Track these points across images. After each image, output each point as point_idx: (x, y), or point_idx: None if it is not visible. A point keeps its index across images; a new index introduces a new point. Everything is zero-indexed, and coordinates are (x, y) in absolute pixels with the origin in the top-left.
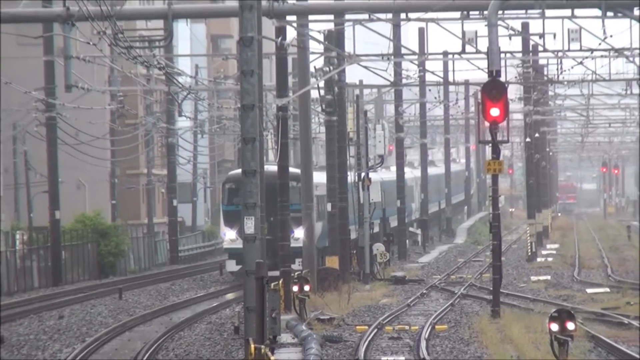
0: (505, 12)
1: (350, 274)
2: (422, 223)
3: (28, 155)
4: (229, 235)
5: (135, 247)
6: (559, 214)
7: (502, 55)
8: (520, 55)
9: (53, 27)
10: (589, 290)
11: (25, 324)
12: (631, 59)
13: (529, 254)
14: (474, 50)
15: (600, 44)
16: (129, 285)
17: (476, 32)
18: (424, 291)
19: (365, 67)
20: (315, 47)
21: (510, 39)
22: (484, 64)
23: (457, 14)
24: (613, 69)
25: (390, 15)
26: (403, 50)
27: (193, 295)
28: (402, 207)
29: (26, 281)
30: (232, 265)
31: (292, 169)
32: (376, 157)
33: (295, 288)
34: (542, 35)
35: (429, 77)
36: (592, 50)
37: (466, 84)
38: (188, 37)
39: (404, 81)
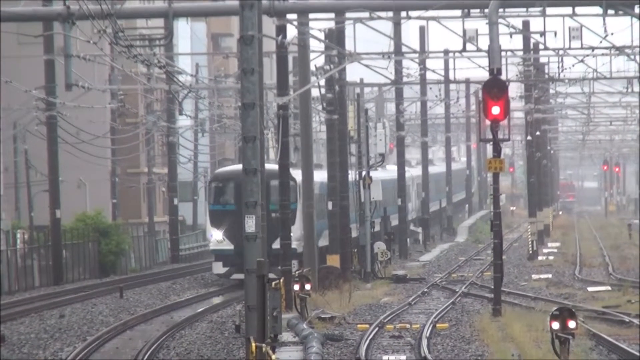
0: (506, 10)
1: (351, 273)
2: (423, 221)
3: (29, 154)
4: (215, 236)
5: (136, 246)
6: (560, 212)
7: (503, 53)
8: (521, 53)
9: (53, 25)
10: (590, 289)
11: (26, 323)
12: (632, 57)
13: (530, 252)
14: (475, 48)
15: (601, 42)
16: (130, 284)
17: (477, 31)
18: (425, 290)
19: (366, 66)
20: (315, 45)
21: (511, 37)
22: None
23: (458, 12)
24: (614, 67)
25: (390, 14)
26: (404, 49)
27: (194, 294)
28: (402, 205)
29: (27, 280)
30: (218, 268)
31: (277, 167)
32: (377, 155)
33: (296, 287)
34: (543, 34)
35: (429, 76)
36: (593, 48)
37: (467, 82)
38: (188, 35)
39: (405, 79)
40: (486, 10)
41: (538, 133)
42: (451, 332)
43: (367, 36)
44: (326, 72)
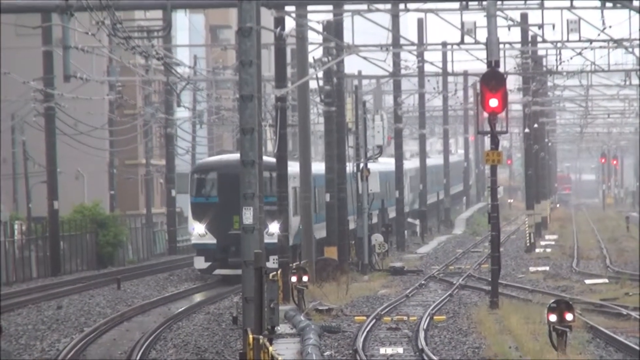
0: (504, 2)
1: (348, 265)
2: (420, 214)
3: (27, 145)
4: (197, 230)
5: (134, 238)
6: (558, 205)
7: (501, 45)
8: (519, 45)
9: (51, 17)
10: (588, 281)
11: (23, 314)
12: (630, 49)
13: (528, 244)
14: (473, 40)
15: (599, 34)
16: (128, 275)
17: (475, 23)
18: (423, 282)
19: (364, 58)
20: (314, 37)
21: (509, 29)
22: (482, 54)
23: (456, 5)
24: (612, 60)
25: (389, 6)
26: (402, 41)
27: (191, 285)
28: (400, 197)
29: (24, 271)
30: (200, 262)
31: (265, 158)
32: (375, 147)
33: (293, 278)
34: (541, 26)
35: (427, 68)
36: (591, 41)
37: (465, 74)
38: (187, 27)
39: (403, 72)
40: (484, 3)
41: (536, 125)
42: (448, 325)
43: (365, 28)
44: (324, 64)
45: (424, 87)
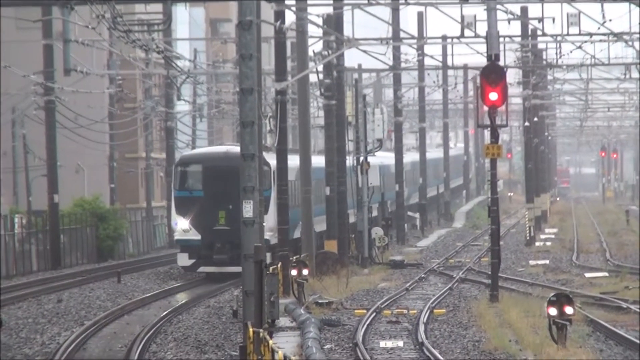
0: None
1: (348, 258)
2: (420, 207)
3: (27, 138)
4: (180, 225)
5: (134, 231)
6: (558, 198)
7: (501, 39)
8: (519, 39)
9: (52, 10)
10: (588, 275)
11: (24, 308)
12: (630, 43)
13: (528, 238)
14: (473, 34)
15: (599, 28)
16: (128, 268)
17: (475, 16)
18: (423, 275)
19: (364, 51)
20: (314, 31)
21: (509, 23)
22: (483, 48)
23: None
24: (612, 53)
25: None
26: (402, 34)
27: (191, 279)
28: (400, 191)
29: (25, 264)
30: (184, 259)
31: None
32: (375, 141)
33: (294, 272)
34: (541, 20)
35: (427, 61)
36: (591, 35)
37: (465, 68)
38: (187, 21)
39: (403, 65)
40: None
41: (536, 119)
42: (448, 318)
43: (365, 22)
44: (324, 57)
45: (424, 80)
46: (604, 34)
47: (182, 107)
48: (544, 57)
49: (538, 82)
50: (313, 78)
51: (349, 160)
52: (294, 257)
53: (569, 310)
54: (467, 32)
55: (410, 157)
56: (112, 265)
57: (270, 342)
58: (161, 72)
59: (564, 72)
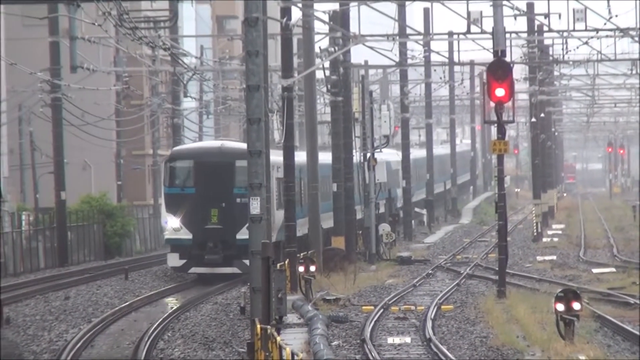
0: None
1: (356, 255)
2: (427, 203)
3: (34, 136)
4: (171, 224)
5: (141, 228)
6: (565, 194)
7: (507, 35)
8: (525, 35)
9: (58, 8)
10: (595, 270)
11: (31, 305)
12: (636, 38)
13: (535, 234)
14: (479, 30)
15: (605, 23)
16: (135, 265)
17: (481, 12)
18: (430, 271)
19: (371, 48)
20: (320, 27)
21: (515, 19)
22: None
23: None
24: (618, 49)
25: None
26: (408, 31)
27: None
28: (408, 187)
29: (32, 262)
30: (174, 260)
31: (245, 145)
32: (381, 137)
33: (301, 268)
34: (547, 15)
35: (434, 58)
36: (597, 30)
37: (471, 64)
38: (193, 17)
39: (409, 61)
40: None
41: (542, 115)
42: (456, 314)
43: (371, 18)
44: (331, 54)
45: (431, 76)
46: (610, 30)
47: (188, 104)
48: (551, 53)
49: (544, 78)
50: (319, 74)
51: (356, 157)
52: (302, 254)
53: (576, 306)
54: (473, 28)
55: (415, 153)
56: (119, 263)
57: (278, 338)
58: (168, 69)
59: (570, 68)
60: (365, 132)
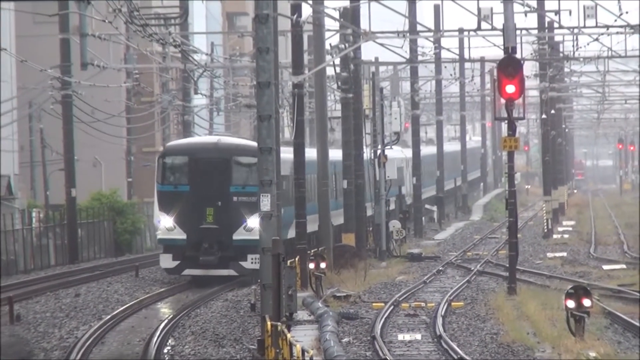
0: None
1: (366, 251)
2: (438, 200)
3: (44, 133)
4: (164, 223)
5: (152, 225)
6: (575, 191)
7: (518, 32)
8: (535, 32)
9: (68, 5)
10: (605, 267)
11: (41, 302)
12: None
13: (545, 230)
14: (490, 27)
15: (616, 20)
16: (145, 262)
17: (492, 9)
18: (440, 268)
19: (381, 44)
20: (330, 24)
21: (525, 15)
22: (499, 40)
23: None
24: (629, 46)
25: None
26: (418, 27)
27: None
28: (418, 184)
29: (42, 259)
30: (167, 261)
31: (243, 141)
32: (392, 134)
33: (311, 265)
34: (557, 12)
35: (444, 54)
36: (607, 27)
37: (482, 60)
38: (203, 14)
39: (420, 58)
40: None
41: (553, 111)
42: (466, 311)
43: (381, 15)
44: (341, 50)
45: (441, 73)
46: (620, 27)
47: (199, 100)
48: (561, 49)
49: (555, 75)
50: (330, 71)
51: (367, 154)
52: (312, 251)
53: (586, 302)
54: (483, 25)
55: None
56: (130, 260)
57: (288, 335)
58: (178, 66)
59: (580, 65)
60: (375, 129)
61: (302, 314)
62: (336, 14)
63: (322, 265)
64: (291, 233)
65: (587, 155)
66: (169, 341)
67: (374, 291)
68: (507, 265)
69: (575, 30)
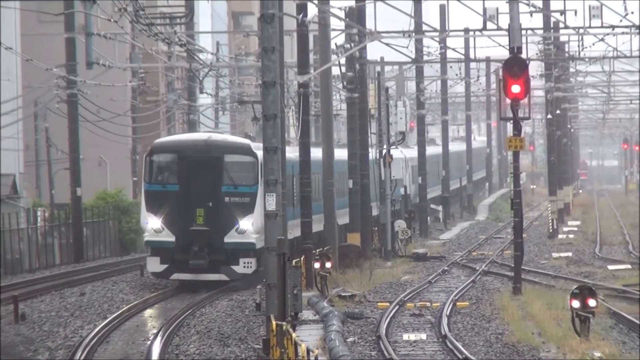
0: None
1: (371, 251)
2: (443, 200)
3: (49, 132)
4: (152, 224)
5: None
6: (581, 191)
7: (523, 32)
8: (541, 32)
9: (74, 4)
10: (611, 267)
11: (46, 301)
12: None
13: (551, 230)
14: (495, 27)
15: (621, 20)
16: None
17: (497, 9)
18: (445, 268)
19: (387, 44)
20: (336, 24)
21: (531, 15)
22: (505, 40)
23: None
24: (634, 46)
25: None
26: (424, 27)
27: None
28: (423, 183)
29: (47, 258)
30: (154, 264)
31: (236, 139)
32: (397, 133)
33: (316, 265)
34: (563, 12)
35: (450, 54)
36: (613, 27)
37: (487, 60)
38: (209, 14)
39: (425, 58)
40: None
41: (558, 112)
42: (471, 311)
43: (387, 15)
44: (347, 50)
45: (447, 73)
46: (626, 27)
47: (204, 100)
48: (566, 49)
49: (560, 75)
50: (335, 71)
51: (372, 153)
52: (317, 250)
53: (591, 302)
54: (489, 25)
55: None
56: (135, 259)
57: (293, 335)
58: (184, 65)
59: (586, 65)
60: (381, 129)
61: (307, 314)
62: (342, 14)
63: (328, 264)
64: (296, 232)
65: (592, 155)
66: (174, 340)
67: (379, 291)
68: (513, 265)
69: (581, 31)
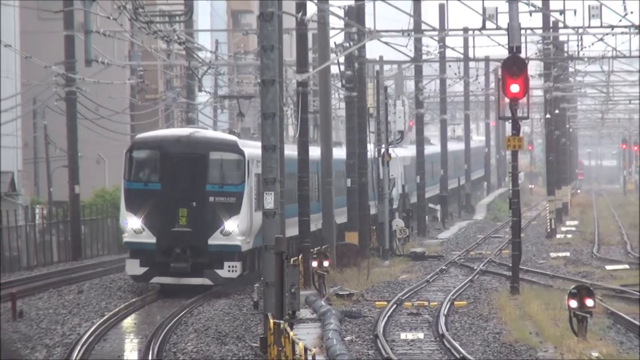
0: None
1: (369, 250)
2: (441, 199)
3: (48, 129)
4: (131, 224)
5: None
6: (579, 191)
7: (523, 31)
8: (540, 31)
9: (73, 2)
10: (608, 267)
11: (44, 298)
12: None
13: (549, 230)
14: (495, 26)
15: (620, 20)
16: None
17: (497, 8)
18: (443, 267)
19: (386, 43)
20: (335, 22)
21: (530, 15)
22: (504, 40)
23: None
24: (633, 46)
25: None
26: (423, 26)
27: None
28: (422, 183)
29: (45, 255)
30: (134, 267)
31: (221, 135)
32: (396, 132)
33: (314, 264)
34: (562, 12)
35: (449, 53)
36: (612, 27)
37: (486, 60)
38: (208, 12)
39: (424, 57)
40: None
41: (557, 111)
42: (469, 310)
43: (386, 14)
44: (346, 49)
45: (446, 72)
46: (625, 27)
47: (203, 98)
48: (565, 49)
49: (559, 75)
50: (334, 70)
51: (370, 152)
52: (315, 249)
53: (589, 302)
54: (488, 24)
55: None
56: None
57: (291, 333)
58: (182, 64)
59: (585, 65)
60: (379, 128)
61: (304, 312)
62: (341, 13)
63: (325, 263)
64: (293, 231)
65: (590, 155)
66: (172, 338)
67: (376, 290)
68: (510, 265)
69: (580, 30)
